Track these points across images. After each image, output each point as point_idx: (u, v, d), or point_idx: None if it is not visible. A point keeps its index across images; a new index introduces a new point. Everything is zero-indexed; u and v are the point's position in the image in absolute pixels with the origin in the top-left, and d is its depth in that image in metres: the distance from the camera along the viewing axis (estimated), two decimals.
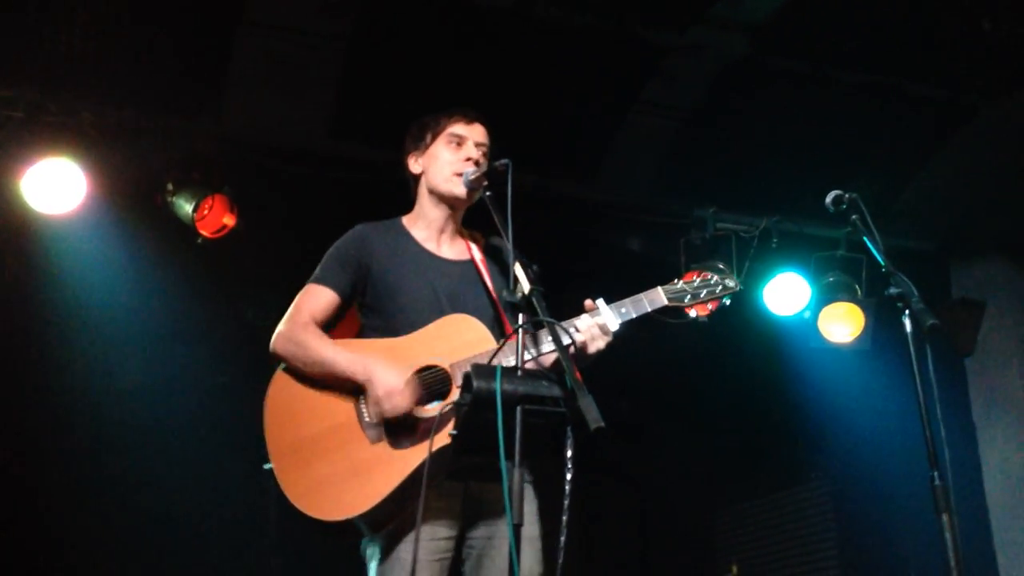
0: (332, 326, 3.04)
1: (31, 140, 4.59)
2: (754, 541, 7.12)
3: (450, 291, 3.04)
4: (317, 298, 3.02)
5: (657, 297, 3.01)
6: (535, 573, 2.89)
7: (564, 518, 2.32)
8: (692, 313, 3.04)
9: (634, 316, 2.95)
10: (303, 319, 2.98)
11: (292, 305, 3.03)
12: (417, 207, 3.22)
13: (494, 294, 3.08)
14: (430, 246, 3.16)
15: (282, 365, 2.97)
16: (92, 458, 5.09)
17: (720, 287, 3.07)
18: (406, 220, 3.22)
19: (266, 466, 2.85)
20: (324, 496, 2.76)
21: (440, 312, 2.97)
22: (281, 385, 2.94)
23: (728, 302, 3.09)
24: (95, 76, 4.62)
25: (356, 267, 3.06)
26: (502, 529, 2.90)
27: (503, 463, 2.27)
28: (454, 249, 3.19)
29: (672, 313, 3.06)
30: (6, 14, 4.38)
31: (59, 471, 5.04)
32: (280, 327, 2.99)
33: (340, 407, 2.87)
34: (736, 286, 3.09)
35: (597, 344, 2.86)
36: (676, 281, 3.06)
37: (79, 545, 5.03)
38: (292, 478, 2.79)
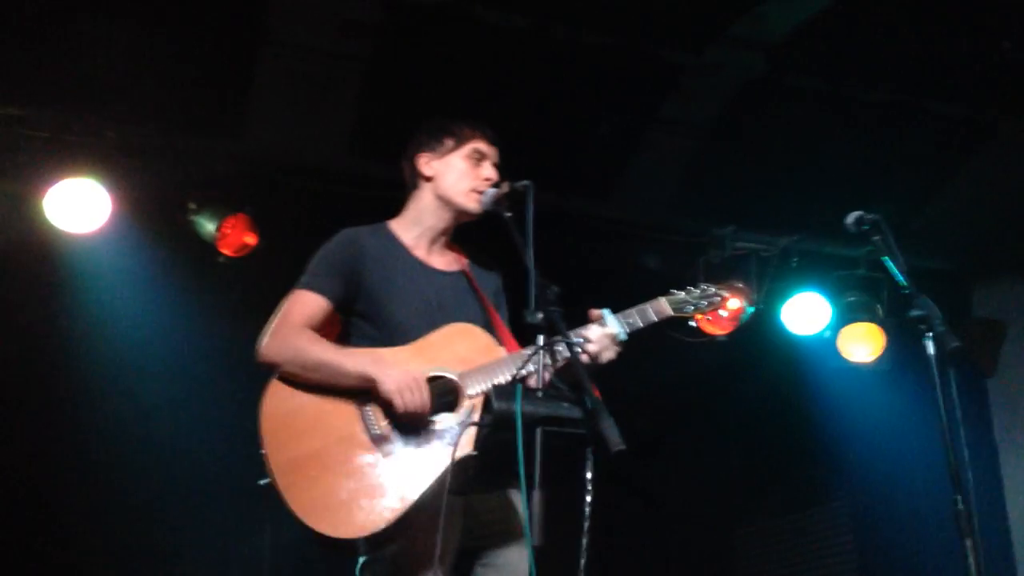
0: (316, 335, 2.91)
1: (55, 159, 4.64)
2: (772, 561, 7.06)
3: (441, 302, 2.98)
4: (307, 304, 2.90)
5: (661, 307, 3.00)
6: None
7: (584, 540, 2.31)
8: (710, 330, 3.05)
9: (641, 326, 2.94)
10: (295, 324, 2.85)
11: (279, 312, 2.89)
12: (412, 211, 3.14)
13: (488, 305, 3.05)
14: (419, 254, 3.09)
15: (275, 375, 2.84)
16: (113, 476, 5.12)
17: (720, 298, 3.08)
18: (394, 224, 3.14)
19: (261, 481, 2.72)
20: (335, 512, 2.64)
21: (432, 322, 2.91)
22: (277, 399, 2.81)
23: (746, 319, 3.08)
24: (118, 96, 4.66)
25: (348, 273, 2.96)
26: (504, 538, 2.87)
27: (523, 484, 2.26)
28: (443, 259, 3.13)
29: (688, 331, 3.06)
30: (30, 35, 4.43)
31: (81, 489, 5.08)
32: (269, 334, 2.85)
33: (343, 419, 2.76)
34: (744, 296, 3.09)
35: (608, 355, 2.84)
36: (678, 292, 3.06)
37: (99, 562, 5.06)
38: (299, 496, 2.66)
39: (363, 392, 2.80)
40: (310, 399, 2.82)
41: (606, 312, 2.92)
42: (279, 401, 2.82)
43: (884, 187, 5.46)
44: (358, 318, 2.99)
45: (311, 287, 2.94)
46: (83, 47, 4.50)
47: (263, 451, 2.75)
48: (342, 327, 3.04)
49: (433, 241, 3.12)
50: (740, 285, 5.70)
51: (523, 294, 2.57)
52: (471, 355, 2.85)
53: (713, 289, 3.09)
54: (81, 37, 4.49)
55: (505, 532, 2.90)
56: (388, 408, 2.76)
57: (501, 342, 2.99)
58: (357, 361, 2.80)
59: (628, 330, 2.91)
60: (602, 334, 2.86)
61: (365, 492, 2.68)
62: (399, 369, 2.75)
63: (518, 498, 2.94)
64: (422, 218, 3.12)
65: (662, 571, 6.93)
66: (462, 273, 3.11)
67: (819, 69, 5.06)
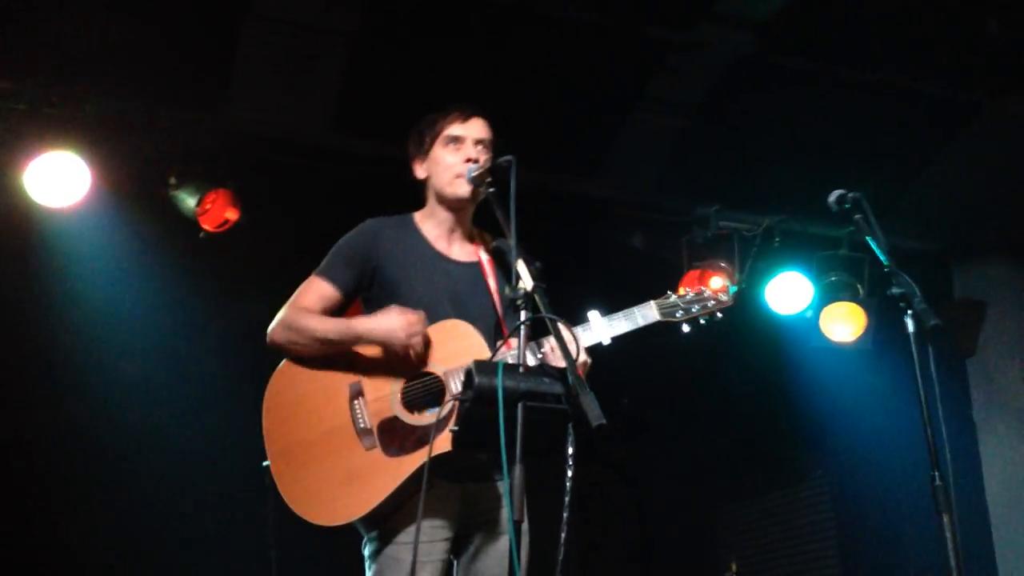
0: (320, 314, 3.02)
1: (34, 133, 4.59)
2: (754, 540, 7.12)
3: (454, 293, 3.03)
4: (317, 290, 3.02)
5: (650, 312, 3.03)
6: (524, 560, 2.89)
7: (565, 515, 2.32)
8: (685, 328, 3.06)
9: (627, 330, 2.98)
10: (301, 306, 2.98)
11: (292, 297, 3.02)
12: (428, 207, 3.21)
13: (496, 298, 3.08)
14: (440, 246, 3.15)
15: (282, 362, 2.96)
16: (93, 451, 5.09)
17: (713, 302, 3.08)
18: (418, 217, 3.20)
19: (265, 463, 2.87)
20: (319, 502, 2.80)
21: (443, 314, 2.96)
22: (280, 385, 2.95)
23: (721, 316, 3.09)
24: (98, 69, 4.61)
25: (362, 265, 3.05)
26: (497, 528, 2.93)
27: (504, 459, 2.26)
28: (464, 250, 3.17)
29: (663, 327, 3.06)
30: (8, 6, 4.37)
31: (60, 464, 5.05)
32: (277, 317, 2.99)
33: (334, 411, 2.88)
34: (729, 301, 3.10)
35: (583, 357, 2.83)
36: (669, 295, 3.08)
37: (76, 537, 5.04)
38: (288, 481, 2.84)
39: (354, 384, 2.90)
40: (310, 388, 2.93)
41: (594, 314, 2.96)
42: (280, 389, 2.95)
43: (868, 167, 5.48)
44: (373, 307, 3.05)
45: (324, 274, 3.04)
46: (63, 19, 4.44)
47: (263, 435, 2.90)
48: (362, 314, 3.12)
49: (451, 232, 3.17)
50: (723, 264, 5.76)
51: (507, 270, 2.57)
52: (460, 354, 2.88)
53: (707, 292, 3.11)
54: (61, 9, 4.43)
55: (499, 519, 2.95)
56: (376, 400, 2.86)
57: (503, 336, 3.00)
58: (350, 323, 2.91)
59: (613, 334, 2.95)
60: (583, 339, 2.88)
61: (345, 482, 2.80)
62: (395, 316, 2.85)
63: None
64: (434, 213, 3.18)
65: (645, 550, 6.97)
66: (478, 264, 3.15)
67: (806, 48, 5.05)
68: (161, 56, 4.66)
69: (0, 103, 4.60)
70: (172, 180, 4.91)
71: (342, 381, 2.92)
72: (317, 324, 2.94)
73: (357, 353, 2.94)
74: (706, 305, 3.07)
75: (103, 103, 4.74)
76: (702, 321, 3.06)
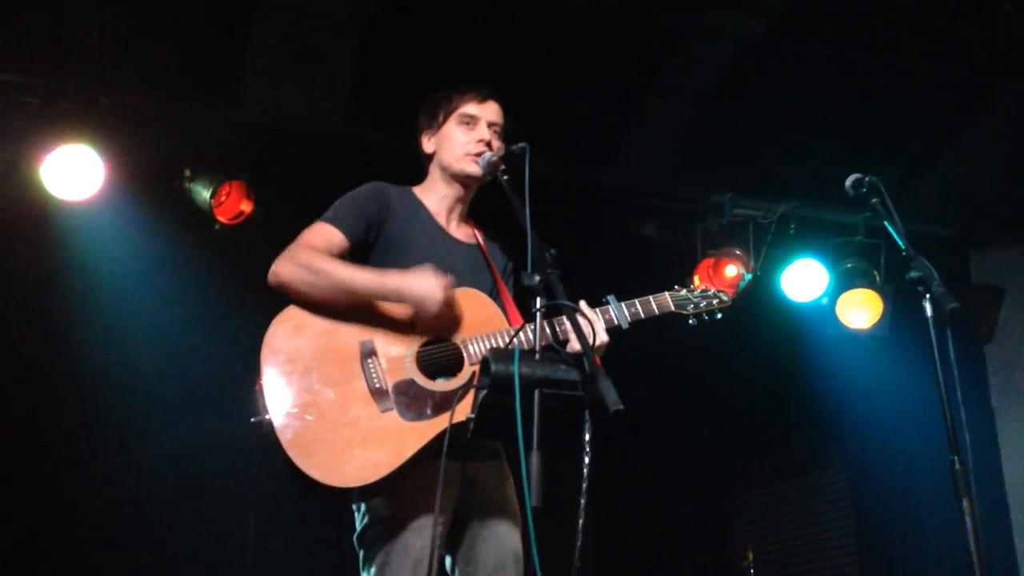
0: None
1: (49, 126, 4.62)
2: (770, 527, 7.11)
3: (454, 269, 2.96)
4: (326, 235, 2.89)
5: (664, 302, 3.07)
6: (520, 550, 2.89)
7: (582, 501, 2.31)
8: (692, 321, 3.13)
9: (642, 317, 3.02)
10: (311, 245, 2.84)
11: (298, 237, 2.88)
12: (429, 182, 3.18)
13: (500, 281, 3.07)
14: (440, 220, 3.13)
15: (286, 308, 2.81)
16: (108, 441, 5.12)
17: (716, 299, 3.15)
18: (418, 190, 3.17)
19: (255, 418, 2.71)
20: (330, 460, 2.64)
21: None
22: (282, 333, 2.78)
23: (744, 286, 3.16)
24: (112, 62, 4.63)
25: (370, 217, 2.96)
26: (495, 511, 2.90)
27: (521, 447, 2.26)
28: (461, 231, 3.16)
29: (673, 318, 3.12)
30: (23, 1, 4.39)
31: (74, 455, 5.08)
32: (283, 256, 2.83)
33: (345, 367, 2.75)
34: (729, 301, 3.17)
35: (602, 336, 2.84)
36: (679, 289, 3.13)
37: (87, 532, 5.07)
38: (291, 435, 2.65)
39: (367, 341, 2.80)
40: (315, 338, 2.79)
41: (611, 299, 2.98)
42: (284, 336, 2.79)
43: (884, 153, 5.44)
44: (374, 266, 2.97)
45: (332, 221, 2.93)
46: (77, 13, 4.45)
47: (258, 386, 2.72)
48: None
49: (451, 211, 3.16)
50: (738, 252, 5.74)
51: (522, 258, 2.56)
52: (476, 322, 2.86)
53: (712, 291, 3.18)
54: (75, 3, 4.44)
55: (498, 505, 2.93)
56: (392, 360, 2.77)
57: (507, 316, 3.01)
58: (377, 275, 2.81)
59: (630, 319, 2.97)
60: (600, 320, 2.89)
61: (359, 444, 2.67)
62: (423, 277, 2.77)
63: (509, 473, 2.99)
64: (437, 189, 3.16)
65: (660, 538, 6.98)
66: (477, 246, 3.15)
67: (819, 33, 5.02)
68: (174, 49, 4.67)
69: (15, 97, 4.63)
70: (186, 172, 4.93)
71: (353, 336, 2.80)
72: (342, 270, 2.80)
73: (372, 307, 2.83)
74: (711, 303, 3.14)
75: (117, 97, 4.76)
76: (705, 317, 3.13)
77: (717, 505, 7.44)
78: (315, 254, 2.83)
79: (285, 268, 2.81)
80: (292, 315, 2.82)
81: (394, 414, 2.73)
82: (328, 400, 2.72)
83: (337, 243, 2.90)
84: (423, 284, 2.77)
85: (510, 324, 2.96)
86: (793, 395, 6.39)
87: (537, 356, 2.39)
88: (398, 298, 2.80)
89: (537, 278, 2.49)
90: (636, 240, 6.07)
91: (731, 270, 5.75)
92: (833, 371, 6.05)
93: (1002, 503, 6.00)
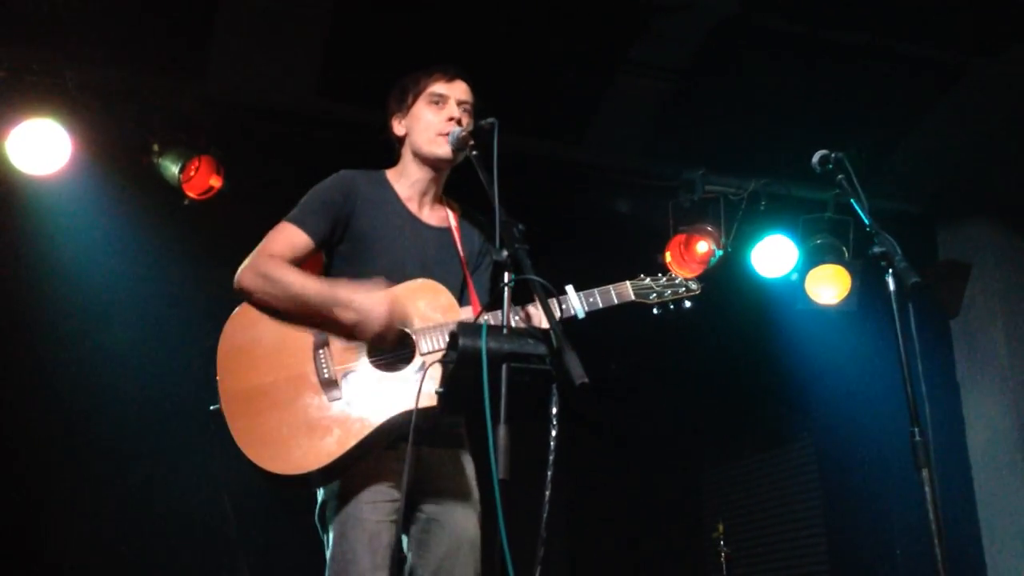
0: (297, 268, 2.96)
1: (14, 100, 4.56)
2: (740, 501, 7.20)
3: (423, 256, 3.02)
4: (289, 237, 2.95)
5: (624, 291, 3.07)
6: (476, 536, 2.93)
7: (549, 474, 2.34)
8: (655, 311, 3.11)
9: (600, 307, 3.01)
10: (273, 253, 2.91)
11: (263, 240, 2.95)
12: (401, 166, 3.19)
13: (465, 266, 3.09)
14: (412, 207, 3.14)
15: (242, 304, 2.90)
16: (78, 419, 5.09)
17: (684, 288, 3.14)
18: (390, 175, 3.18)
19: (213, 407, 2.79)
20: (277, 449, 2.73)
21: (409, 274, 2.96)
22: (238, 327, 2.88)
23: (689, 305, 3.14)
24: (79, 35, 4.56)
25: (336, 214, 3.00)
26: (451, 497, 2.94)
27: (488, 421, 2.28)
28: (434, 214, 3.17)
29: (635, 307, 3.11)
30: None
31: (45, 433, 5.05)
32: (247, 262, 2.91)
33: (296, 358, 2.83)
34: (698, 289, 3.15)
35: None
36: (644, 277, 3.13)
37: (65, 507, 5.05)
38: (242, 427, 2.75)
39: (320, 333, 2.87)
40: (269, 332, 2.87)
41: (569, 288, 2.98)
42: (239, 329, 2.88)
43: (854, 130, 5.47)
44: (340, 259, 3.03)
45: (296, 222, 2.98)
46: None
47: (217, 377, 2.82)
48: (324, 267, 3.07)
49: (423, 194, 3.16)
50: (709, 228, 5.77)
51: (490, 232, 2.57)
52: (431, 312, 2.90)
53: (679, 279, 3.17)
54: None
55: (453, 491, 2.96)
56: (343, 351, 2.83)
57: (468, 303, 3.04)
58: (323, 289, 2.85)
59: (588, 309, 2.97)
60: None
61: (305, 432, 2.75)
62: (371, 297, 2.80)
63: (468, 460, 3.04)
64: (408, 173, 3.16)
65: (631, 511, 7.04)
66: (448, 230, 3.15)
67: (791, 10, 5.03)
68: (141, 22, 4.60)
69: None
70: (154, 147, 4.89)
71: (307, 328, 2.87)
72: (296, 281, 2.87)
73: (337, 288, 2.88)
74: (678, 292, 3.13)
75: (83, 70, 4.69)
76: (671, 306, 3.12)
77: (688, 478, 7.52)
78: (273, 263, 2.89)
79: (246, 276, 2.90)
80: (247, 311, 2.91)
81: (340, 403, 2.79)
82: (279, 389, 2.80)
83: (302, 245, 2.96)
84: (367, 305, 2.81)
85: (471, 311, 2.99)
86: (763, 369, 6.45)
87: (505, 330, 2.40)
88: (345, 311, 2.83)
89: (505, 253, 2.51)
90: (608, 216, 6.08)
91: (702, 246, 5.79)
92: (802, 346, 6.11)
93: (966, 474, 6.10)
